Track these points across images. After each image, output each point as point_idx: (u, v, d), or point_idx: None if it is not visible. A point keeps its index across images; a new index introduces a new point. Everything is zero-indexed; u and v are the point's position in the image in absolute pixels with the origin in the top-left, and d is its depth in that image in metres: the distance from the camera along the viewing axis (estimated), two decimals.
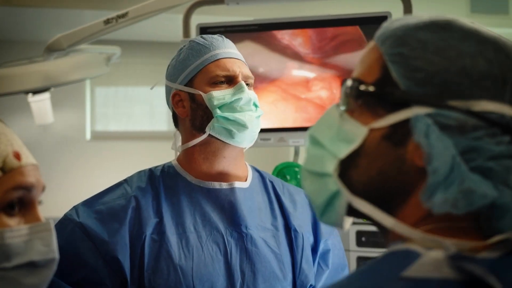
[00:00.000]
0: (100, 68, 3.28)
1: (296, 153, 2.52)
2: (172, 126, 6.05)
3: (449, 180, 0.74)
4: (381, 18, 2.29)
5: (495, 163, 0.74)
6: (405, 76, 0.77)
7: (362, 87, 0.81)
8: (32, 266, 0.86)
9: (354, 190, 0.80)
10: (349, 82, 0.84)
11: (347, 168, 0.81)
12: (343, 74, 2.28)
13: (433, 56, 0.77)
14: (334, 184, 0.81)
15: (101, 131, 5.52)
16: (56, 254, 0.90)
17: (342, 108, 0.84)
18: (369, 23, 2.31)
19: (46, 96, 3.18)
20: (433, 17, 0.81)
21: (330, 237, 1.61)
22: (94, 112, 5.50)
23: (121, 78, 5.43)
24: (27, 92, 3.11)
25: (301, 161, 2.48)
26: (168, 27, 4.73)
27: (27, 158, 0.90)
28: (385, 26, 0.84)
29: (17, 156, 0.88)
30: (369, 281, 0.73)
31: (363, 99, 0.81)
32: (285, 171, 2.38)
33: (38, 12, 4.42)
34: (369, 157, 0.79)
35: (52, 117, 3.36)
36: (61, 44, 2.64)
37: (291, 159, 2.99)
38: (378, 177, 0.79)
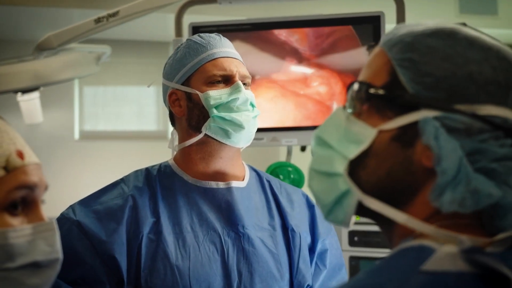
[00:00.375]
0: (90, 67, 3.27)
1: (289, 152, 2.51)
2: (160, 126, 6.02)
3: (456, 180, 0.77)
4: (374, 18, 2.30)
5: (498, 165, 0.78)
6: (414, 80, 0.80)
7: (372, 90, 0.84)
8: (35, 266, 0.85)
9: (363, 189, 0.83)
10: (356, 86, 0.86)
11: (356, 168, 0.84)
12: (339, 72, 2.29)
13: (441, 62, 0.80)
14: (344, 183, 0.84)
15: (90, 130, 5.49)
16: (59, 254, 0.89)
17: (349, 110, 0.87)
18: (362, 23, 2.32)
19: (35, 95, 3.16)
20: (438, 24, 0.84)
21: (327, 237, 1.61)
22: (83, 112, 5.47)
23: (109, 77, 5.40)
24: (16, 91, 3.09)
25: (293, 160, 2.48)
26: (158, 26, 4.71)
27: (30, 157, 0.89)
28: (391, 32, 0.87)
29: (20, 155, 0.86)
30: (390, 276, 0.75)
31: (372, 102, 0.84)
32: (278, 170, 2.38)
33: (26, 11, 4.38)
34: (378, 157, 0.82)
35: (41, 117, 3.34)
36: (52, 43, 2.62)
37: (281, 158, 2.98)
38: (386, 177, 0.82)
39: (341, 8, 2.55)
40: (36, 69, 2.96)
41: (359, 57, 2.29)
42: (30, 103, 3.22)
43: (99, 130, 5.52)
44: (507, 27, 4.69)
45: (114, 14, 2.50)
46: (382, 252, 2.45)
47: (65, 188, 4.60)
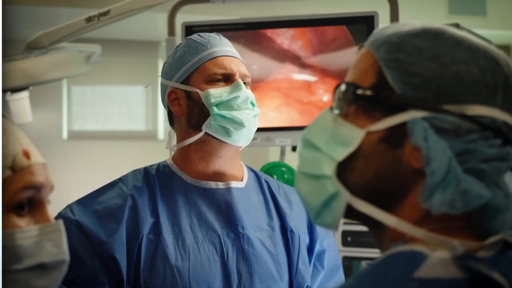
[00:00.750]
0: (81, 66, 3.24)
1: (282, 152, 2.51)
2: (149, 126, 5.99)
3: (446, 181, 0.77)
4: (367, 18, 2.30)
5: (487, 165, 0.77)
6: (402, 80, 0.80)
7: (359, 91, 0.83)
8: (42, 268, 0.84)
9: (351, 191, 0.82)
10: (343, 87, 0.85)
11: (344, 170, 0.83)
12: (323, 75, 2.29)
13: (429, 62, 0.79)
14: (332, 185, 0.83)
15: (78, 130, 5.46)
16: (66, 256, 0.88)
17: (336, 112, 0.86)
18: (356, 23, 2.32)
19: (25, 94, 3.13)
20: (425, 24, 0.84)
21: (325, 237, 1.60)
22: (71, 112, 5.44)
23: (98, 77, 5.38)
24: (5, 91, 3.06)
25: (287, 160, 2.48)
26: (147, 26, 4.70)
27: (36, 156, 0.87)
28: (377, 33, 0.86)
29: (27, 155, 0.85)
30: (382, 283, 0.75)
31: (359, 103, 0.83)
32: (272, 170, 2.37)
33: (13, 10, 4.35)
34: (366, 159, 0.81)
35: (30, 116, 3.31)
36: (42, 42, 2.60)
37: (271, 158, 2.97)
38: (375, 178, 0.81)
39: (334, 9, 2.54)
40: (26, 68, 2.92)
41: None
42: (19, 102, 3.19)
43: (87, 130, 5.50)
44: (496, 28, 4.73)
45: (105, 13, 2.48)
46: (375, 252, 2.45)
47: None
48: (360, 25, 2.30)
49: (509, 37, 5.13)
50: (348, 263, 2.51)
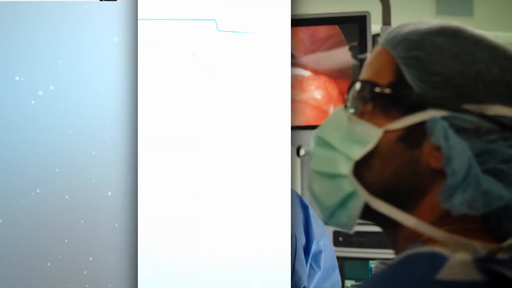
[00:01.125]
0: None
1: None
2: None
3: (466, 182, 0.76)
4: (360, 18, 2.30)
5: (506, 166, 0.76)
6: (421, 79, 0.78)
7: (377, 89, 0.81)
8: None
9: (368, 191, 0.81)
10: (358, 85, 0.84)
11: (360, 170, 0.81)
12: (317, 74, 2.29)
13: (449, 60, 0.78)
14: (349, 185, 0.81)
15: None
16: None
17: (351, 110, 0.84)
18: (348, 23, 2.31)
19: None
20: (443, 23, 0.82)
21: (322, 238, 1.60)
22: None
23: None
24: None
25: None
26: None
27: None
28: (393, 30, 0.85)
29: None
30: (402, 285, 0.73)
31: (377, 102, 0.82)
32: None
33: None
34: (384, 158, 0.80)
35: None
36: None
37: None
38: (392, 178, 0.79)
39: (328, 8, 2.54)
40: None
41: (345, 57, 2.29)
42: None
43: None
44: (483, 29, 4.70)
45: None
46: (367, 252, 2.45)
47: None
48: (352, 25, 2.30)
49: (496, 38, 5.16)
50: (340, 263, 2.50)
